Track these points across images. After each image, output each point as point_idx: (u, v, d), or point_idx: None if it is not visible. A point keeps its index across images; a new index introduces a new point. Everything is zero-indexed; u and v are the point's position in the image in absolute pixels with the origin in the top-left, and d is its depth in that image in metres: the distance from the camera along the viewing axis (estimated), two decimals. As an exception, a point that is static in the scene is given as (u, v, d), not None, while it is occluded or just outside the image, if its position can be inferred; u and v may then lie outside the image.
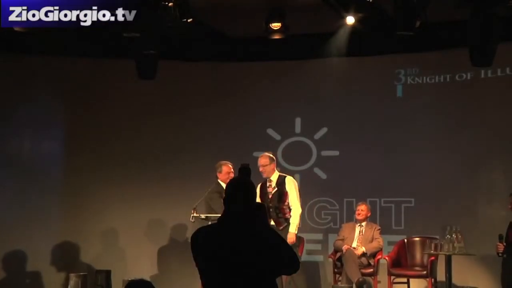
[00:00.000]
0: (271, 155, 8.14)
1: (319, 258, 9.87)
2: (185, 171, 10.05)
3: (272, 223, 7.77)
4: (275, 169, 8.13)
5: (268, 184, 8.00)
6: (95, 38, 9.51)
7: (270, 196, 7.92)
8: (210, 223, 7.58)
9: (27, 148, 10.11)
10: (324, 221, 9.98)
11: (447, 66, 9.66)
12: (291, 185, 7.97)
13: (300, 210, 7.92)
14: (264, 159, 8.01)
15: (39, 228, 9.76)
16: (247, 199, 3.69)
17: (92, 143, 10.18)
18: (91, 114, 10.20)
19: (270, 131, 10.35)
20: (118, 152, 10.19)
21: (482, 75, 9.47)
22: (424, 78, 9.86)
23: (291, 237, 7.70)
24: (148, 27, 8.12)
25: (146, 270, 9.78)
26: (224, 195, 3.79)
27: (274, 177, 8.02)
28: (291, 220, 7.85)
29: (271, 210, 7.82)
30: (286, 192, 7.91)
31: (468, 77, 9.58)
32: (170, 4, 7.99)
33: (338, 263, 8.91)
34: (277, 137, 10.36)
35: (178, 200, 9.68)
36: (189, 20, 8.31)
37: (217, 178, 8.24)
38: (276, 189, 7.94)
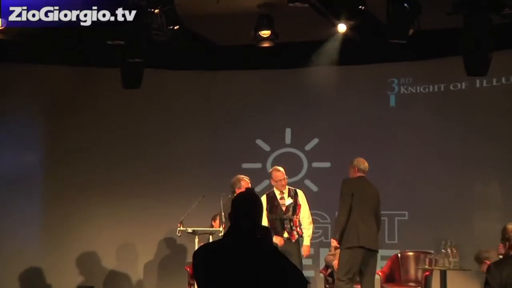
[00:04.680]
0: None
1: (310, 273, 9.77)
2: (172, 183, 10.09)
3: (286, 235, 8.08)
4: None
5: (279, 196, 8.22)
6: (77, 45, 9.53)
7: (284, 208, 8.17)
8: (197, 237, 7.88)
9: (6, 160, 10.06)
10: (315, 235, 9.75)
11: (441, 75, 9.74)
12: (304, 198, 8.34)
13: (312, 223, 8.38)
14: (282, 172, 8.20)
15: (19, 244, 9.78)
16: (258, 216, 3.59)
17: (74, 156, 10.17)
18: (74, 126, 10.19)
19: (259, 142, 10.42)
20: (101, 165, 10.20)
21: (478, 85, 9.56)
22: (418, 87, 9.95)
23: (307, 250, 8.17)
24: (133, 35, 8.16)
25: (130, 286, 9.88)
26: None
27: (285, 189, 8.27)
28: (306, 233, 8.22)
29: (285, 222, 8.12)
30: (300, 205, 8.24)
31: (463, 87, 9.67)
32: (156, 11, 8.00)
33: (330, 279, 8.90)
34: (267, 148, 10.42)
35: (165, 213, 9.72)
36: (175, 28, 8.28)
37: (234, 193, 7.95)
38: (290, 201, 8.19)
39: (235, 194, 7.71)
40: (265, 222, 8.03)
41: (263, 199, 8.14)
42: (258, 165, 10.29)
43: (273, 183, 8.28)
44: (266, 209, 8.09)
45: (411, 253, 9.22)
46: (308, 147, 10.30)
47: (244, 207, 3.58)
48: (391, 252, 9.43)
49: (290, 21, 8.93)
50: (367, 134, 10.00)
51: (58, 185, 10.08)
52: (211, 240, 7.58)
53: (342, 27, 8.83)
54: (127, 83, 9.18)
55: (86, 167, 10.16)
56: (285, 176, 8.23)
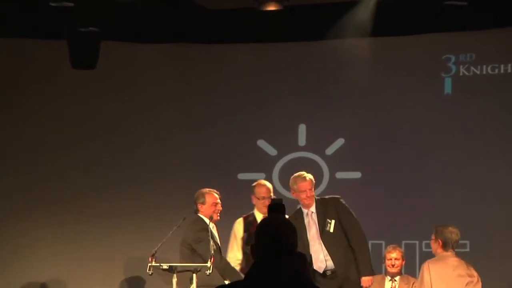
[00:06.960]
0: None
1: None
2: (142, 201, 10.05)
3: None
4: None
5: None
6: (9, 9, 9.43)
7: None
8: (175, 276, 7.80)
9: None
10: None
11: (516, 51, 9.09)
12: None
13: None
14: (268, 188, 8.26)
15: None
16: (292, 248, 3.74)
17: (9, 162, 10.16)
18: (5, 120, 10.13)
19: (262, 144, 10.40)
20: (47, 175, 10.13)
21: None
22: (484, 67, 9.87)
23: None
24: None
25: None
26: (253, 241, 3.75)
27: None
28: None
29: None
30: None
31: (549, 66, 9.06)
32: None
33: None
34: (273, 152, 10.39)
35: (132, 242, 9.74)
36: (146, -16, 8.39)
37: (197, 211, 8.04)
38: None
39: (198, 214, 8.06)
40: (238, 257, 8.25)
41: (238, 224, 8.27)
42: (261, 175, 10.00)
43: (254, 202, 8.20)
44: (242, 238, 8.18)
45: (475, 298, 8.84)
46: (329, 150, 10.24)
47: (266, 236, 3.75)
48: (447, 297, 9.21)
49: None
50: (412, 132, 9.92)
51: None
52: (194, 279, 7.57)
53: (377, -16, 8.82)
54: (78, 61, 9.42)
55: (26, 178, 10.08)
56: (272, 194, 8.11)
